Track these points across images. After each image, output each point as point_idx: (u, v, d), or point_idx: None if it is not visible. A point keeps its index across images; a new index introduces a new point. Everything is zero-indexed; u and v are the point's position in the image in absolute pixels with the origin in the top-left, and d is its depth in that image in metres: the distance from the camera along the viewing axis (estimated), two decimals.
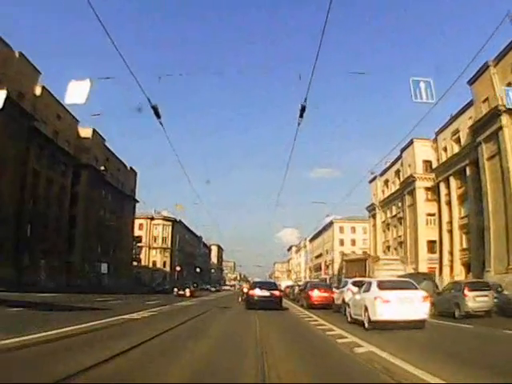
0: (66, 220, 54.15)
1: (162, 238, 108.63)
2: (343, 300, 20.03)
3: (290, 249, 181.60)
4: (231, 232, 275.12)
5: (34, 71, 47.04)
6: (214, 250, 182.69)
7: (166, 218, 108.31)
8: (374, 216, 74.22)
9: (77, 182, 57.00)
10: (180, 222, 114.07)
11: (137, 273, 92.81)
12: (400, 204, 62.33)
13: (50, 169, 50.89)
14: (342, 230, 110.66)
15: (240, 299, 32.20)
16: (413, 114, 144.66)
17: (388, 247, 67.55)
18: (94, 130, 60.93)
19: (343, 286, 22.52)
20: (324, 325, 15.27)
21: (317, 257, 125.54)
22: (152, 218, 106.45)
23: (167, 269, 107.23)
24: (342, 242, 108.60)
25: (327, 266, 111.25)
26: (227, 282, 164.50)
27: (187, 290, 43.19)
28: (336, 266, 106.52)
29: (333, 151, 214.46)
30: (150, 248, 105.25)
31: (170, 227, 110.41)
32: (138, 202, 79.05)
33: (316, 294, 26.68)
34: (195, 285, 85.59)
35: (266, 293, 23.47)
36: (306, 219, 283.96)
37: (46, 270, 48.67)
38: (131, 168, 76.42)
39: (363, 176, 72.61)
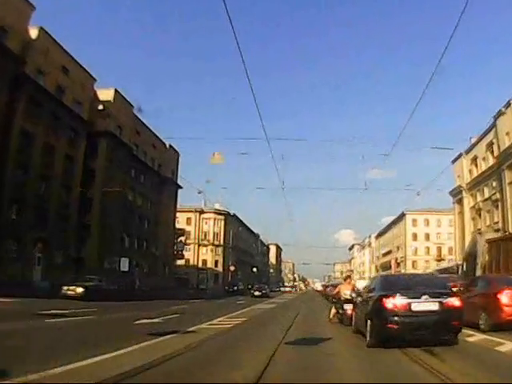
0: (76, 202, 41.42)
1: (214, 233, 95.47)
2: None
3: (351, 248, 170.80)
4: (288, 233, 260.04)
5: (22, 3, 34.78)
6: (273, 249, 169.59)
7: (217, 212, 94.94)
8: (459, 201, 60.97)
9: (93, 156, 44.25)
10: (234, 215, 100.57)
11: (184, 273, 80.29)
12: (495, 183, 49.63)
13: (51, 133, 38.31)
14: (414, 223, 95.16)
15: (331, 314, 16.03)
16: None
17: None
18: (117, 92, 48.13)
19: None
20: None
21: (385, 254, 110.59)
22: (202, 211, 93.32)
23: (219, 268, 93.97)
24: (414, 237, 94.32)
25: (398, 264, 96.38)
26: (286, 283, 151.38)
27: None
28: (409, 263, 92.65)
29: (389, 151, 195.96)
30: (199, 245, 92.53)
31: (223, 222, 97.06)
32: (181, 187, 65.35)
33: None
34: (234, 287, 63.31)
35: (427, 304, 8.61)
36: (363, 220, 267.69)
37: (46, 266, 36.15)
38: (171, 146, 62.79)
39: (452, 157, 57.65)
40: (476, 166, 55.08)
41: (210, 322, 14.43)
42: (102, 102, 46.36)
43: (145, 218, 55.28)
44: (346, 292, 14.54)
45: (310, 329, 13.78)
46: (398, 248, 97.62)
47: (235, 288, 62.05)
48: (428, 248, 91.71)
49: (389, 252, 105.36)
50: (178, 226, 78.11)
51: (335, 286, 38.55)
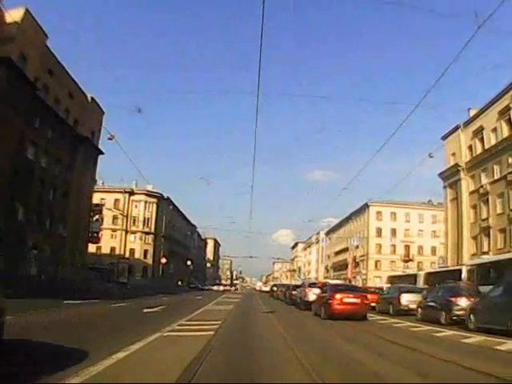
0: None
1: (144, 218, 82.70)
2: None
3: (294, 246, 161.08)
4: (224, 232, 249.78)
5: None
6: (211, 244, 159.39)
7: (149, 193, 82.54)
8: (453, 185, 50.07)
9: None
10: (168, 199, 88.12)
11: (109, 263, 67.18)
12: (511, 160, 40.32)
13: None
14: (379, 215, 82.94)
15: None
16: None
17: (486, 229, 43.09)
18: (28, 13, 35.19)
19: None
20: None
21: (338, 252, 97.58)
22: (132, 192, 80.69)
23: (149, 260, 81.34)
24: (379, 232, 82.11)
25: (357, 264, 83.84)
26: (223, 281, 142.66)
27: None
28: (372, 263, 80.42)
29: (330, 153, 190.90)
30: (126, 232, 79.48)
31: (155, 205, 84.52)
32: (102, 153, 52.27)
33: None
34: None
35: None
36: (303, 221, 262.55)
37: None
38: (93, 100, 49.44)
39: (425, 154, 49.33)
40: (481, 139, 45.38)
41: None
42: (8, 25, 33.48)
43: (50, 186, 41.85)
44: None
45: None
46: (357, 246, 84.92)
47: None
48: (394, 246, 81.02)
49: (344, 250, 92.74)
50: (106, 208, 65.67)
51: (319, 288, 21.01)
